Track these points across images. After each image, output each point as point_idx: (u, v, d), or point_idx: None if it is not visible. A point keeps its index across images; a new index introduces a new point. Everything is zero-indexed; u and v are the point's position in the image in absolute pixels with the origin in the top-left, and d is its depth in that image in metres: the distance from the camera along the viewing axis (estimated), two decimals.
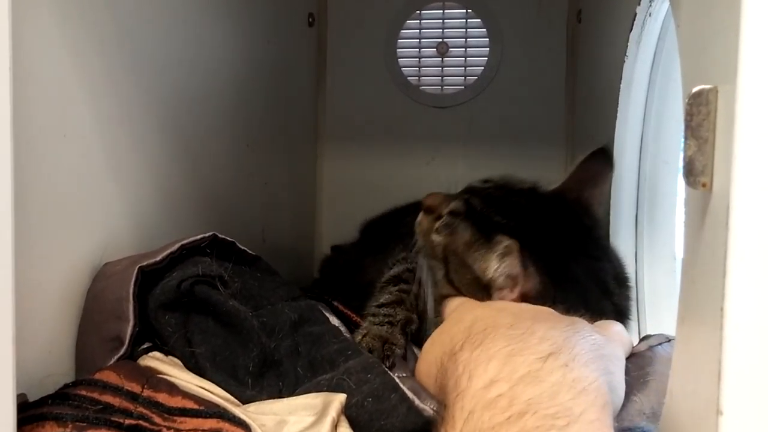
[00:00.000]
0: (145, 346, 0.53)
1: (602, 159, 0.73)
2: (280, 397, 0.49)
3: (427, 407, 0.48)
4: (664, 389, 0.40)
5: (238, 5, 0.91)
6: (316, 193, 1.35)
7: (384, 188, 1.27)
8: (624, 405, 0.48)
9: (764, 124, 0.30)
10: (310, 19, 1.27)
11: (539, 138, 1.25)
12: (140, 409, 0.44)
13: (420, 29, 1.29)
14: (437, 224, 0.69)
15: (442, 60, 1.29)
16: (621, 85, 0.82)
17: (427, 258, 0.70)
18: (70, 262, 0.54)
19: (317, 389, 0.48)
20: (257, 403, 0.48)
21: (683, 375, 0.38)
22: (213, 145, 0.84)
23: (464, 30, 1.28)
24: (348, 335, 0.63)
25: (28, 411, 0.41)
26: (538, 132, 1.25)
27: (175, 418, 0.44)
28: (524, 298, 0.60)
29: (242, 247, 0.64)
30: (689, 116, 0.33)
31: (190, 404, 0.45)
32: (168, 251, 0.56)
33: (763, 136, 0.30)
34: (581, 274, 0.64)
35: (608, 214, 0.84)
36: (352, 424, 0.45)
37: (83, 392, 0.44)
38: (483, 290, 0.62)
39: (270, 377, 0.53)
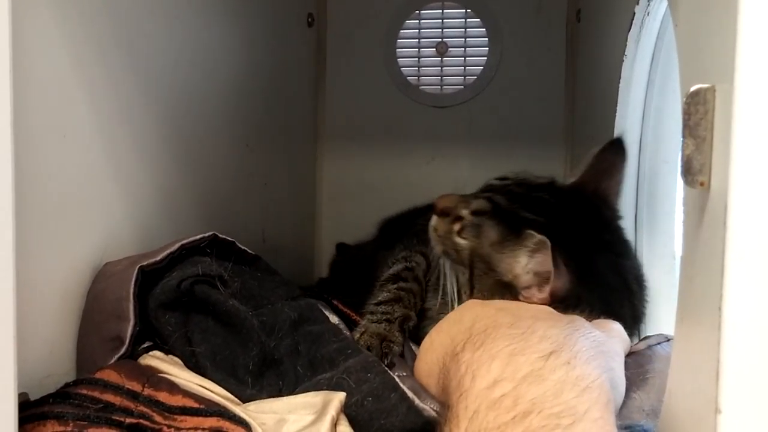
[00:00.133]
0: (145, 345, 0.53)
1: (616, 149, 0.72)
2: (280, 395, 0.49)
3: (427, 407, 0.48)
4: (664, 387, 0.41)
5: (238, 6, 0.92)
6: (316, 193, 1.35)
7: (384, 188, 1.28)
8: (624, 402, 0.48)
9: (761, 123, 0.30)
10: (310, 20, 1.27)
11: (539, 137, 1.25)
12: (141, 407, 0.44)
13: (419, 29, 1.29)
14: (457, 226, 0.66)
15: (442, 60, 1.29)
16: (620, 84, 0.82)
17: (450, 262, 0.67)
18: (71, 262, 0.54)
19: (317, 388, 0.48)
20: (257, 401, 0.48)
21: (682, 373, 0.38)
22: (213, 146, 0.84)
23: (464, 30, 1.28)
24: (348, 334, 0.63)
25: (29, 410, 0.41)
26: (537, 131, 1.25)
27: (175, 416, 0.44)
28: (552, 297, 0.58)
29: (242, 247, 0.64)
30: (687, 115, 0.33)
31: (190, 403, 0.45)
32: (168, 251, 0.56)
33: (760, 135, 0.30)
34: (607, 272, 0.62)
35: None
36: (351, 423, 0.45)
37: (84, 391, 0.44)
38: (508, 291, 0.60)
39: (270, 376, 0.54)
